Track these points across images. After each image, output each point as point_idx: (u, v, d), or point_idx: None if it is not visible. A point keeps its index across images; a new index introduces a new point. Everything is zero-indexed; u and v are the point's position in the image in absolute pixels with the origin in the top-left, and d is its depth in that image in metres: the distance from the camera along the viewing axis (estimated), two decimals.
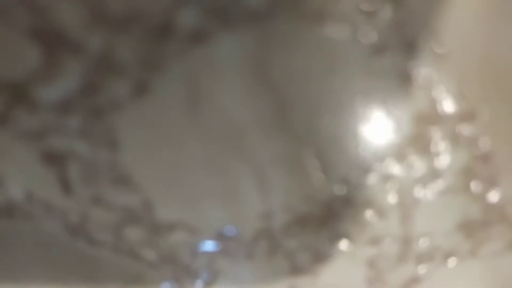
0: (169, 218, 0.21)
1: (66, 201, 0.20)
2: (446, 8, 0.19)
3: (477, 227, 0.24)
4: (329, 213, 0.22)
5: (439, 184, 0.22)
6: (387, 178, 0.22)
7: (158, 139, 0.19)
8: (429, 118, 0.21)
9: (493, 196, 0.23)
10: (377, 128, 0.21)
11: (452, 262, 0.25)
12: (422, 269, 0.25)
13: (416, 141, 0.21)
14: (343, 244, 0.23)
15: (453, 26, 0.19)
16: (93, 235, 0.21)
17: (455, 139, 0.21)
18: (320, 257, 0.24)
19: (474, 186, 0.23)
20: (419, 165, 0.22)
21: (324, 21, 0.18)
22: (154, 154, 0.20)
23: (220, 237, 0.22)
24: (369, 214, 0.23)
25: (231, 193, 0.21)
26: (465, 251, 0.25)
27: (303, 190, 0.21)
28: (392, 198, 0.22)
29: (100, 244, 0.22)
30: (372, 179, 0.22)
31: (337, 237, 0.23)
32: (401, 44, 0.19)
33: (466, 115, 0.21)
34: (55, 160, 0.19)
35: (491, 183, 0.23)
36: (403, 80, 0.20)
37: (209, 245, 0.22)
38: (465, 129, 0.21)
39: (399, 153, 0.21)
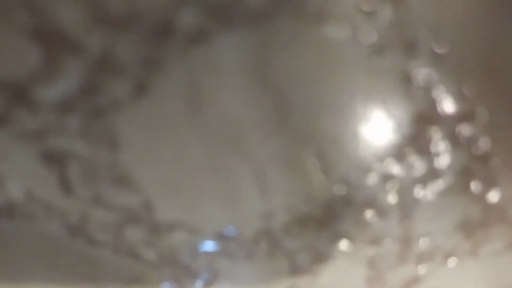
0: (169, 218, 0.21)
1: (66, 201, 0.20)
2: (446, 8, 0.19)
3: (477, 227, 0.24)
4: (329, 213, 0.22)
5: (439, 184, 0.22)
6: (387, 178, 0.22)
7: (158, 139, 0.19)
8: (429, 118, 0.21)
9: (493, 196, 0.23)
10: (377, 128, 0.21)
11: (452, 262, 0.25)
12: (422, 269, 0.25)
13: (416, 141, 0.21)
14: (343, 244, 0.23)
15: (453, 26, 0.19)
16: (93, 235, 0.21)
17: (455, 139, 0.21)
18: (320, 257, 0.24)
19: (474, 186, 0.23)
20: (419, 165, 0.22)
21: (324, 21, 0.18)
22: (154, 154, 0.20)
23: (220, 237, 0.22)
24: (369, 214, 0.23)
25: (231, 193, 0.21)
26: (465, 251, 0.25)
27: (303, 190, 0.21)
28: (392, 198, 0.22)
29: (100, 244, 0.22)
30: (372, 179, 0.22)
31: (337, 237, 0.23)
32: (401, 44, 0.19)
33: (466, 115, 0.21)
34: (55, 160, 0.19)
35: (491, 183, 0.23)
36: (403, 80, 0.20)
37: (209, 245, 0.22)
38: (465, 129, 0.21)
39: (399, 153, 0.21)
